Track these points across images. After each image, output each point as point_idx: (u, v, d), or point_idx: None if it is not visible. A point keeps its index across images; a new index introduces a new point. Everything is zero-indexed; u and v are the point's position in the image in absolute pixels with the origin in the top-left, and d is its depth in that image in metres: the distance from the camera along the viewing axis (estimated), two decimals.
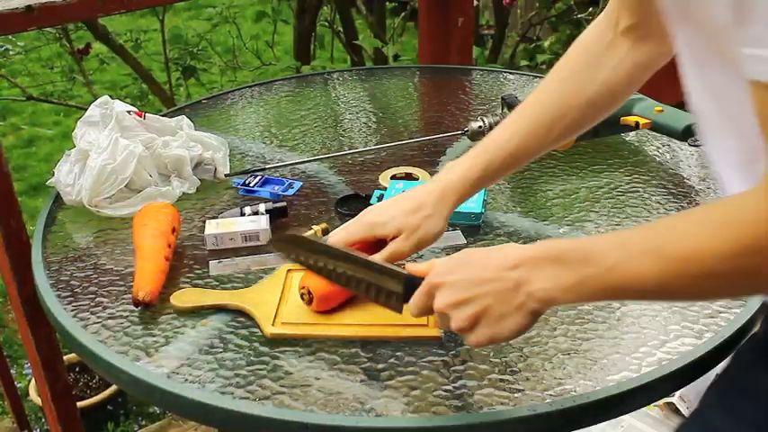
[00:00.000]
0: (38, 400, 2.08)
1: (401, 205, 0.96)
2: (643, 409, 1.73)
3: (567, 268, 0.72)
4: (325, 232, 1.13)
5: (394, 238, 0.94)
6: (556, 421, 0.82)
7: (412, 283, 0.83)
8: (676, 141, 1.36)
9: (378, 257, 0.92)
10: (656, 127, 1.34)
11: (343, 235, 0.96)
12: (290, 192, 1.26)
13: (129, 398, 2.21)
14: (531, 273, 0.74)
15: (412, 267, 0.84)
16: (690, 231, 0.66)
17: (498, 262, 0.76)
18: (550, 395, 0.84)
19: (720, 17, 0.63)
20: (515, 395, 0.84)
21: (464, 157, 0.98)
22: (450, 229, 1.14)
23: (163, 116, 1.39)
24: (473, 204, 1.16)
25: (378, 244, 0.96)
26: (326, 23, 3.16)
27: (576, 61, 0.98)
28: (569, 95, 0.96)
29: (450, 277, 0.78)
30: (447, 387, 0.86)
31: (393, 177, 1.29)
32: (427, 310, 0.81)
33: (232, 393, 0.86)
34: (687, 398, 1.72)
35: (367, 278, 0.88)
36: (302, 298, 0.96)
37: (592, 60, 0.96)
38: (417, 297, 0.81)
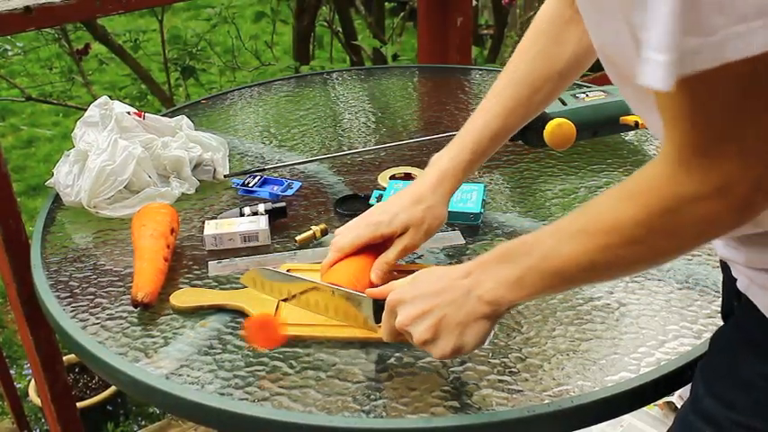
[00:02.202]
0: (37, 401, 2.08)
1: (401, 201, 0.98)
2: (643, 408, 1.73)
3: (510, 264, 0.75)
4: (324, 233, 1.13)
5: (401, 234, 0.97)
6: (555, 422, 0.82)
7: (380, 305, 0.86)
8: None
9: (391, 254, 0.96)
10: None
11: (350, 238, 0.97)
12: (290, 192, 1.26)
13: (128, 398, 2.21)
14: (481, 276, 0.77)
15: (372, 292, 0.88)
16: (606, 206, 0.68)
17: (452, 272, 0.79)
18: (549, 396, 0.84)
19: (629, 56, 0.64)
20: (514, 396, 0.84)
21: (451, 145, 1.01)
22: (450, 229, 1.15)
23: (162, 116, 1.39)
24: (472, 204, 1.16)
25: (383, 244, 0.97)
26: (325, 23, 3.16)
27: (538, 40, 1.00)
28: (541, 70, 0.99)
29: (408, 294, 0.81)
30: (446, 388, 0.86)
31: (392, 177, 1.29)
32: (396, 331, 0.83)
33: (231, 394, 0.86)
34: (686, 397, 1.72)
35: (340, 305, 0.91)
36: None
37: (555, 37, 0.99)
38: (384, 320, 0.85)
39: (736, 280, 0.79)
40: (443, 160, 1.00)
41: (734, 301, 0.82)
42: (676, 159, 0.61)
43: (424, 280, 0.82)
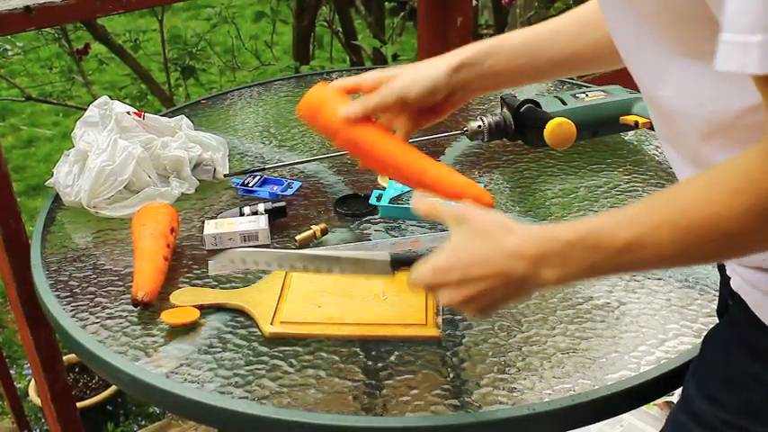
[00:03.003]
0: (37, 401, 2.08)
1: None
2: (642, 407, 1.73)
3: (575, 258, 0.70)
4: (324, 232, 1.13)
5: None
6: (555, 420, 0.83)
7: (397, 259, 0.87)
8: None
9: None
10: None
11: (376, 99, 0.97)
12: (289, 192, 1.26)
13: (128, 398, 2.22)
14: (538, 269, 0.72)
15: (423, 207, 0.83)
16: (702, 198, 0.64)
17: (497, 250, 0.74)
18: (549, 394, 0.84)
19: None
20: (514, 394, 0.85)
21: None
22: None
23: (162, 116, 1.39)
24: None
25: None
26: (325, 23, 3.16)
27: (571, 20, 0.99)
28: (582, 27, 0.97)
29: (453, 276, 0.76)
30: (446, 386, 0.86)
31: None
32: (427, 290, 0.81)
33: (231, 393, 0.86)
34: None
35: (351, 262, 0.89)
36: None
37: (586, 21, 0.97)
38: (418, 282, 0.79)
39: (730, 279, 0.79)
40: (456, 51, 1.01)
41: (728, 299, 0.82)
42: None
43: (468, 256, 0.75)
